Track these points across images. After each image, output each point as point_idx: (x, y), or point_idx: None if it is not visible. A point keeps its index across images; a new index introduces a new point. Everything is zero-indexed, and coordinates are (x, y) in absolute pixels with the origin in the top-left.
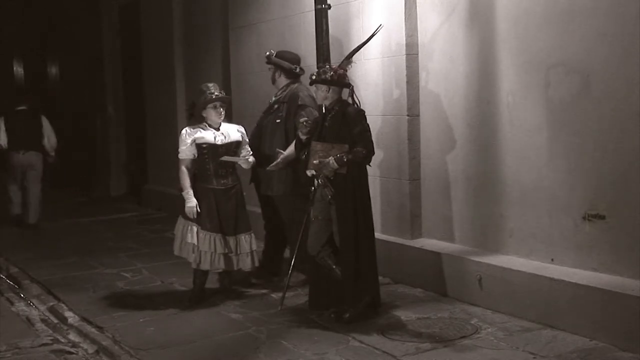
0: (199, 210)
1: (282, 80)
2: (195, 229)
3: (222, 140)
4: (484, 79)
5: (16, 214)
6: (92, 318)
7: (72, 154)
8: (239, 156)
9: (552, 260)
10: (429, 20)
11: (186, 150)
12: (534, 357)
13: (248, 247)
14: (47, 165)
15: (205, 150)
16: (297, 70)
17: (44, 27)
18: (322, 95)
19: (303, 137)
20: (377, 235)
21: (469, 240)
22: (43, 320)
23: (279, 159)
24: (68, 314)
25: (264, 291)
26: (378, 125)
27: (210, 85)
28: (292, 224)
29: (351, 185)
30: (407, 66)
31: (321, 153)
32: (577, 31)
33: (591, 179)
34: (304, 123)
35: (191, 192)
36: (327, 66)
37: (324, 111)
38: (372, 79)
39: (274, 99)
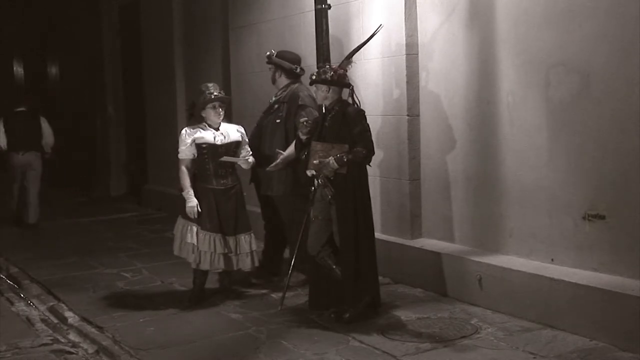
0: (199, 210)
1: (283, 80)
2: (195, 229)
3: (221, 140)
4: (484, 79)
5: (17, 214)
6: (92, 318)
7: (72, 154)
8: (239, 156)
9: (552, 260)
10: (429, 20)
11: (186, 150)
12: (534, 357)
13: (248, 247)
14: (46, 165)
15: (205, 150)
16: (298, 70)
17: (44, 27)
18: (322, 95)
19: (303, 137)
20: (377, 235)
21: (469, 240)
22: (43, 320)
23: (278, 160)
24: (68, 314)
25: (264, 291)
26: (378, 125)
27: (209, 85)
28: (292, 224)
29: (351, 185)
30: (407, 66)
31: (321, 153)
32: (577, 31)
33: (591, 179)
34: (304, 123)
35: (192, 191)
36: (327, 66)
37: (324, 111)
38: (372, 79)
39: (274, 99)
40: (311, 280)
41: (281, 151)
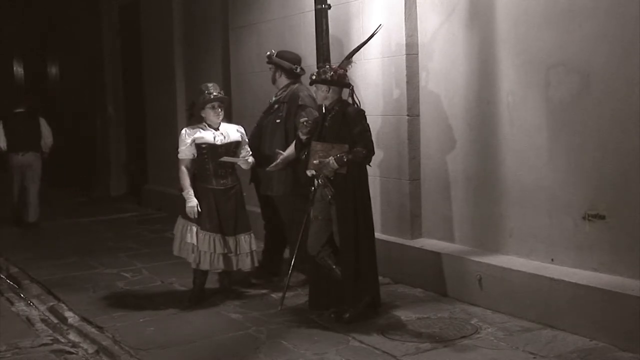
0: (199, 210)
1: (283, 80)
2: (194, 229)
3: (221, 140)
4: (484, 79)
5: (17, 214)
6: (92, 318)
7: (72, 154)
8: (239, 156)
9: (552, 260)
10: (429, 20)
11: (186, 150)
12: (534, 357)
13: (247, 247)
14: (46, 165)
15: (204, 150)
16: (298, 70)
17: (44, 27)
18: (322, 95)
19: (303, 137)
20: (377, 235)
21: (469, 240)
22: (43, 320)
23: (278, 160)
24: (68, 314)
25: (264, 291)
26: (378, 125)
27: (209, 85)
28: (292, 224)
29: (351, 185)
30: (407, 66)
31: (321, 153)
32: (577, 31)
33: (591, 179)
34: (304, 123)
35: (191, 191)
36: (327, 66)
37: (324, 111)
38: (372, 79)
39: (274, 99)
40: (311, 280)
41: (281, 151)
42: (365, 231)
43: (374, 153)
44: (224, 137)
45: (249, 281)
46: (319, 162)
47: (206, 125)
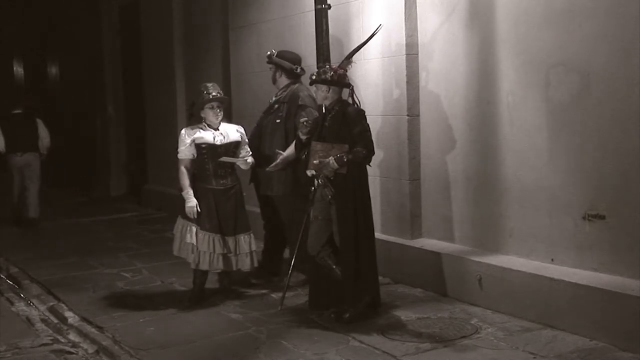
0: (199, 210)
1: (283, 80)
2: (194, 229)
3: (221, 140)
4: (484, 79)
5: (17, 214)
6: (92, 318)
7: (72, 154)
8: (238, 156)
9: (552, 260)
10: (429, 20)
11: (185, 150)
12: (534, 357)
13: (247, 247)
14: (45, 165)
15: (204, 150)
16: (298, 70)
17: (44, 27)
18: (322, 95)
19: (303, 137)
20: (377, 235)
21: (469, 240)
22: (43, 320)
23: (278, 160)
24: (68, 314)
25: (263, 291)
26: (378, 125)
27: (209, 85)
28: (292, 224)
29: (351, 185)
30: (407, 66)
31: (321, 153)
32: (577, 31)
33: (591, 179)
34: (304, 123)
35: (191, 192)
36: (327, 66)
37: (324, 111)
38: (372, 79)
39: (274, 98)
40: (311, 280)
41: (281, 151)
42: (365, 231)
43: (374, 153)
44: (224, 137)
45: (248, 281)
46: (319, 162)
47: (206, 126)
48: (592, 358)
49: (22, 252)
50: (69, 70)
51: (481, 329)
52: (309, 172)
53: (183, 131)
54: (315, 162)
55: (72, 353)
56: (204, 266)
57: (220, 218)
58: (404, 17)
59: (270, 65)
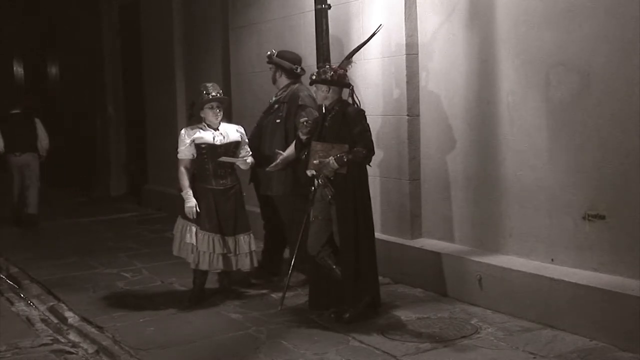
0: (198, 210)
1: (283, 80)
2: (194, 229)
3: (220, 140)
4: (484, 79)
5: (17, 214)
6: (92, 318)
7: (72, 154)
8: (238, 156)
9: (552, 260)
10: (429, 20)
11: (185, 150)
12: (534, 357)
13: (247, 247)
14: (44, 165)
15: (204, 150)
16: (298, 70)
17: (44, 27)
18: (322, 95)
19: (303, 137)
20: (377, 235)
21: (469, 240)
22: (43, 320)
23: (278, 160)
24: (68, 314)
25: (263, 291)
26: (378, 125)
27: (209, 85)
28: (292, 224)
29: (351, 185)
30: (407, 66)
31: (321, 153)
32: (577, 31)
33: (591, 179)
34: (304, 123)
35: (190, 192)
36: (327, 66)
37: (324, 111)
38: (372, 79)
39: (274, 98)
40: (311, 280)
41: (280, 151)
42: (365, 231)
43: (374, 153)
44: (224, 137)
45: (248, 281)
46: (319, 162)
47: (206, 126)
48: (592, 358)
49: (22, 252)
50: (69, 70)
51: (481, 329)
52: (309, 172)
53: (183, 131)
54: (315, 162)
55: (72, 353)
56: (203, 266)
57: (220, 218)
58: (404, 17)
59: (270, 65)
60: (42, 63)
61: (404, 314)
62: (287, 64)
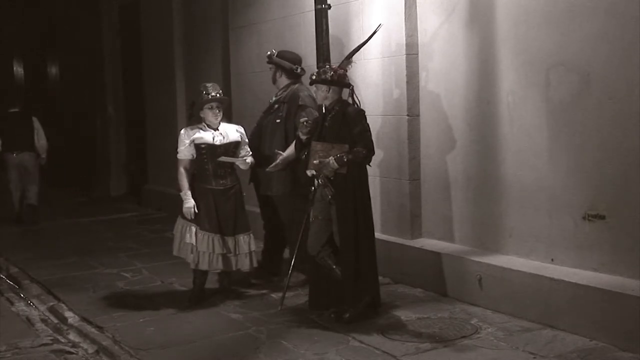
0: (196, 210)
1: (283, 80)
2: (194, 229)
3: (220, 140)
4: (484, 79)
5: (18, 214)
6: (92, 318)
7: (72, 154)
8: (238, 156)
9: (552, 260)
10: (429, 21)
11: (185, 150)
12: (534, 357)
13: (247, 247)
14: (45, 165)
15: (203, 150)
16: (298, 70)
17: (44, 27)
18: (322, 95)
19: (303, 137)
20: (377, 235)
21: (469, 240)
22: (43, 320)
23: (277, 160)
24: (68, 314)
25: (263, 291)
26: (378, 125)
27: (208, 85)
28: (292, 224)
29: (351, 185)
30: (407, 66)
31: (321, 153)
32: (577, 31)
33: (591, 179)
34: (304, 123)
35: (189, 192)
36: (327, 66)
37: (324, 111)
38: (372, 79)
39: (274, 98)
40: (311, 280)
41: (280, 152)
42: (365, 231)
43: (374, 153)
44: (223, 138)
45: (248, 281)
46: (319, 162)
47: (205, 126)
48: (592, 358)
49: (22, 252)
50: (69, 70)
51: (481, 329)
52: (309, 172)
53: (182, 131)
54: (315, 162)
55: (72, 353)
56: (203, 266)
57: (220, 218)
58: (404, 17)
59: (270, 65)
60: (42, 63)
61: (404, 314)
62: (287, 64)
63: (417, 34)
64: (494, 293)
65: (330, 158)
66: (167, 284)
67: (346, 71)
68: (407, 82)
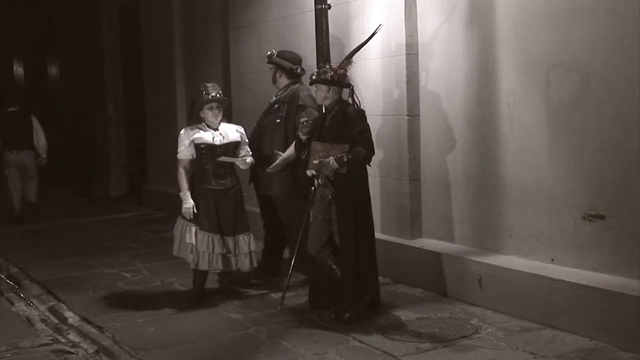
0: (195, 211)
1: (283, 80)
2: (193, 229)
3: (220, 140)
4: (484, 79)
5: (17, 213)
6: (92, 318)
7: (72, 154)
8: (238, 156)
9: (552, 260)
10: (429, 20)
11: (184, 150)
12: (534, 357)
13: (247, 247)
14: (39, 165)
15: (203, 150)
16: (298, 70)
17: (44, 27)
18: (322, 95)
19: (303, 137)
20: (377, 235)
21: (469, 240)
22: (43, 320)
23: (277, 161)
24: (68, 314)
25: (263, 291)
26: (378, 125)
27: (209, 85)
28: (292, 224)
29: (351, 185)
30: (407, 66)
31: (321, 153)
32: (577, 31)
33: (591, 179)
34: (304, 123)
35: (188, 193)
36: (327, 66)
37: (324, 111)
38: (372, 79)
39: (274, 98)
40: (311, 280)
41: (280, 152)
42: (365, 231)
43: (374, 153)
44: (223, 138)
45: (248, 281)
46: (319, 162)
47: (205, 126)
48: (592, 358)
49: (22, 252)
50: (69, 70)
51: (481, 329)
52: (309, 172)
53: (182, 131)
54: (315, 162)
55: (72, 353)
56: (203, 266)
57: (220, 218)
58: (404, 17)
59: (270, 65)
60: (42, 63)
61: (404, 314)
62: (287, 64)
63: (417, 34)
64: (494, 293)
65: (330, 158)
66: (167, 284)
67: (346, 71)
68: (407, 82)
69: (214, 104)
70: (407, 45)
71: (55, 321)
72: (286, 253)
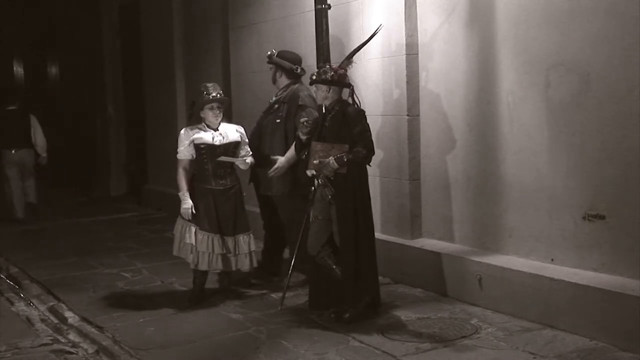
0: (194, 211)
1: (283, 81)
2: (193, 229)
3: (220, 140)
4: (484, 79)
5: (17, 213)
6: (92, 318)
7: (72, 154)
8: (238, 156)
9: (552, 260)
10: (429, 21)
11: (184, 150)
12: (534, 357)
13: (246, 247)
14: (38, 165)
15: (203, 150)
16: (298, 70)
17: (44, 27)
18: (322, 95)
19: (303, 137)
20: (377, 235)
21: (469, 240)
22: (43, 320)
23: (277, 164)
24: (68, 314)
25: (263, 291)
26: (378, 125)
27: (209, 85)
28: (292, 224)
29: (351, 185)
30: (407, 66)
31: (321, 153)
32: (577, 31)
33: (591, 179)
34: (304, 123)
35: (187, 193)
36: (328, 66)
37: (324, 111)
38: (372, 79)
39: (274, 98)
40: (311, 280)
41: (276, 157)
42: (365, 231)
43: (374, 153)
44: (223, 138)
45: (248, 281)
46: (319, 162)
47: (205, 126)
48: (592, 358)
49: (22, 252)
50: (69, 70)
51: (481, 329)
52: (309, 172)
53: (182, 131)
54: (315, 162)
55: (72, 353)
56: (203, 266)
57: (220, 218)
58: (404, 17)
59: (270, 65)
60: (42, 63)
61: (404, 314)
62: (287, 64)
63: (417, 34)
64: (494, 293)
65: (330, 158)
66: (167, 284)
67: (346, 71)
68: (407, 82)
69: (214, 104)
70: (407, 45)
71: (55, 321)
72: (286, 253)
